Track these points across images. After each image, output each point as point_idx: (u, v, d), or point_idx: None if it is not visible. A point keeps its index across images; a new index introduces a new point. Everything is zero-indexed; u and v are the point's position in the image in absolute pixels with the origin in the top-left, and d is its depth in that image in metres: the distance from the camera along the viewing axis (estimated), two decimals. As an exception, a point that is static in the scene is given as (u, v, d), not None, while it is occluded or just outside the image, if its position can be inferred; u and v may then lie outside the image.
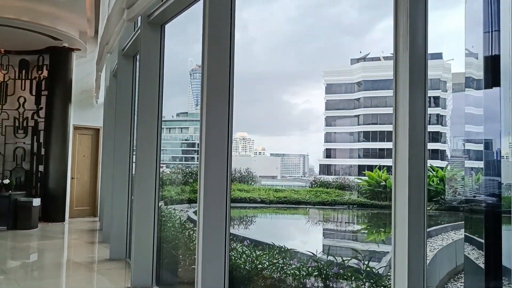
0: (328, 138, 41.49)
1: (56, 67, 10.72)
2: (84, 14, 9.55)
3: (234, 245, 4.87)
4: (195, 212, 11.77)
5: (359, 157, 38.44)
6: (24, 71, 11.02)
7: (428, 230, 8.43)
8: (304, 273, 3.61)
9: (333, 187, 15.25)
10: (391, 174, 2.37)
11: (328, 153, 39.30)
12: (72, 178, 11.34)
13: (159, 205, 6.08)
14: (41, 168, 10.72)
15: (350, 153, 40.12)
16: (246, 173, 16.12)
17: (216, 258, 3.46)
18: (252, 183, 16.15)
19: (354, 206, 13.45)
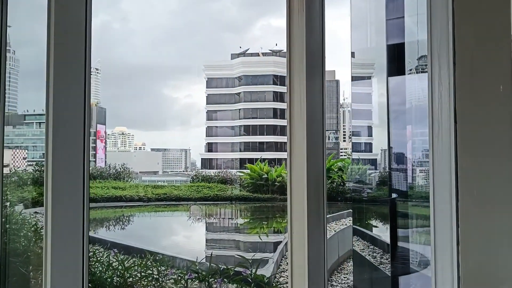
0: (210, 132, 41.25)
1: None
2: None
3: (100, 255, 4.10)
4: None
5: (240, 150, 38.86)
6: None
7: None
8: (183, 286, 3.03)
9: (215, 181, 14.76)
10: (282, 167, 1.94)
11: (210, 147, 39.06)
12: None
13: (9, 210, 5.03)
14: None
15: (231, 146, 40.35)
16: (122, 169, 14.88)
17: (70, 273, 2.68)
18: (129, 180, 14.96)
19: (237, 200, 13.17)
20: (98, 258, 4.34)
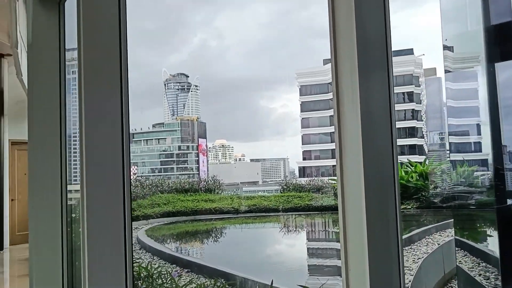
0: (306, 140, 40.70)
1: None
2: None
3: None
4: (148, 232, 10.57)
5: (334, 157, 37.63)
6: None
7: (409, 234, 7.43)
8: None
9: (306, 190, 14.09)
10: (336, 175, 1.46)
11: (306, 155, 38.46)
12: (12, 200, 10.06)
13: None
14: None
15: (328, 153, 39.34)
16: (212, 181, 14.92)
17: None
18: (219, 192, 14.94)
19: (328, 210, 12.39)
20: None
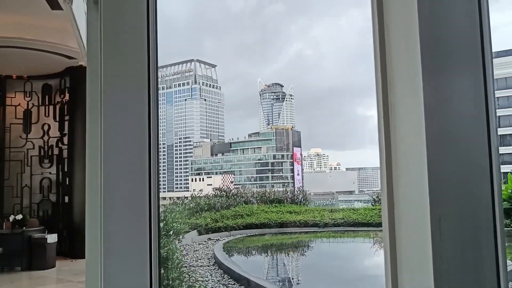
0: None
1: (76, 88, 9.91)
2: (93, 26, 8.61)
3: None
4: (226, 246, 10.18)
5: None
6: (47, 97, 10.36)
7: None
8: None
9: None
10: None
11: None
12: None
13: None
14: (66, 199, 9.86)
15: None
16: (298, 192, 14.24)
17: None
18: (306, 203, 14.22)
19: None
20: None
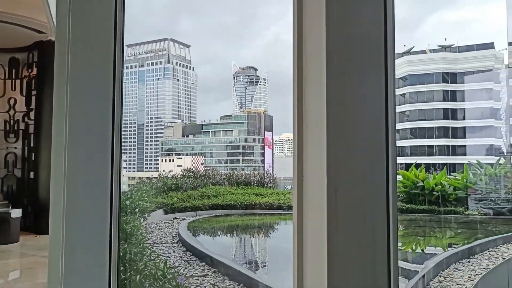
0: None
1: (44, 63, 9.79)
2: None
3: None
4: (191, 226, 10.38)
5: (407, 155, 35.94)
6: (14, 70, 10.20)
7: (470, 245, 6.59)
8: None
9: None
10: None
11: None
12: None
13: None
14: (32, 175, 9.81)
15: (398, 151, 37.69)
16: (266, 175, 14.56)
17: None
18: (273, 186, 14.55)
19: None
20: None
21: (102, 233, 1.71)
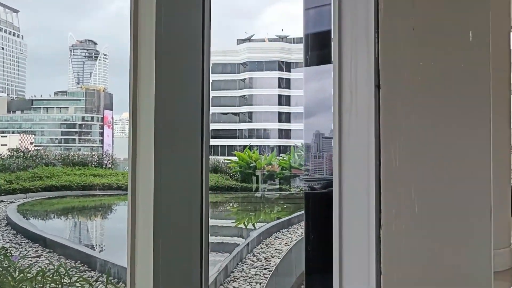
0: (214, 118, 40.62)
1: None
2: None
3: None
4: (21, 209, 9.74)
5: (245, 137, 38.27)
6: None
7: (289, 217, 7.65)
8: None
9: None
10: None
11: (216, 134, 38.47)
12: None
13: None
14: None
15: (237, 133, 39.73)
16: (104, 156, 14.16)
17: None
18: (113, 167, 14.25)
19: (222, 190, 12.46)
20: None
21: None
